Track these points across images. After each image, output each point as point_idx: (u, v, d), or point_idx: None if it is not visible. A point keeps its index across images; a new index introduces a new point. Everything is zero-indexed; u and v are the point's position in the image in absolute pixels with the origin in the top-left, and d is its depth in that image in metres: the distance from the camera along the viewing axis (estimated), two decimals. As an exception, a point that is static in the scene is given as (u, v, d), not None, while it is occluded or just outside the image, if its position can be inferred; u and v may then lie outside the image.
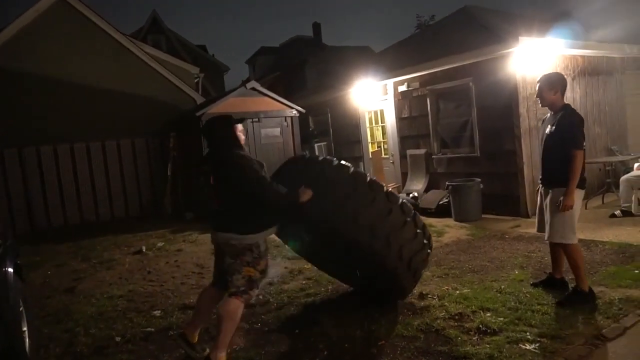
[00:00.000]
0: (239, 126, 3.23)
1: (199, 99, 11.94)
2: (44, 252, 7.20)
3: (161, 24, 21.71)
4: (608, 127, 8.00)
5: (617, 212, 6.05)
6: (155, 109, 10.90)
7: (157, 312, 4.11)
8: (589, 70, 7.66)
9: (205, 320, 3.32)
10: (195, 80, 14.04)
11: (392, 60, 9.77)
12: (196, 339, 3.21)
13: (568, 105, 3.57)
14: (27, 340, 2.77)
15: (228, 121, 3.21)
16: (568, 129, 3.38)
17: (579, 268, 3.38)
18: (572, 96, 7.43)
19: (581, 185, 3.43)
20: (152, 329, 3.72)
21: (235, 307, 2.93)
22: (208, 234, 7.66)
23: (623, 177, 6.24)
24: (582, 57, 7.50)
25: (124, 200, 10.36)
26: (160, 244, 7.10)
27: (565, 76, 7.31)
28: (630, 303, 3.28)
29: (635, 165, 6.64)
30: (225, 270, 3.04)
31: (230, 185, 3.04)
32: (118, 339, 3.59)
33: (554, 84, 3.52)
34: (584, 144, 3.41)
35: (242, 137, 3.22)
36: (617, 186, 6.43)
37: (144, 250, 6.72)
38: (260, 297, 4.24)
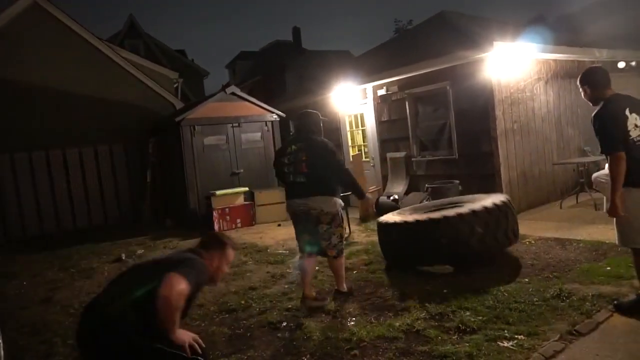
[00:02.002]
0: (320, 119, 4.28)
1: (178, 104, 11.85)
2: (19, 262, 7.04)
3: (139, 28, 21.47)
4: (581, 129, 8.23)
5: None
6: (134, 114, 10.77)
7: (138, 320, 4.05)
8: (562, 74, 7.87)
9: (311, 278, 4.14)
10: (175, 86, 13.92)
11: (371, 64, 9.87)
12: (314, 293, 4.07)
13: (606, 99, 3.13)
14: (1, 352, 2.71)
15: (318, 115, 4.28)
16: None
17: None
18: (546, 99, 7.64)
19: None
20: (133, 338, 3.66)
21: (341, 262, 4.11)
22: (188, 240, 7.65)
23: (595, 175, 6.41)
24: (555, 61, 7.71)
25: (102, 208, 10.20)
26: (140, 251, 7.01)
27: (538, 80, 7.57)
28: (603, 299, 3.38)
29: (606, 164, 6.84)
30: (322, 235, 3.95)
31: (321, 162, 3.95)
32: (97, 348, 3.52)
33: (584, 78, 3.26)
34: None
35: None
36: (590, 185, 6.60)
37: (123, 258, 6.62)
38: (242, 302, 4.24)
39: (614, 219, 3.14)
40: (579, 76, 3.31)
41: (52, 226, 9.55)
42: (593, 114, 3.10)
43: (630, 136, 2.98)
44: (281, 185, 9.51)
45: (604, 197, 6.38)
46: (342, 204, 4.09)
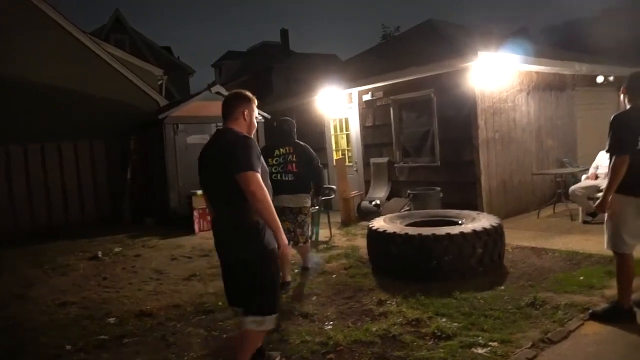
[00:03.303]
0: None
1: (162, 102, 11.72)
2: (-9, 257, 6.85)
3: (124, 23, 21.17)
4: (560, 140, 8.41)
5: (589, 219, 6.33)
6: (116, 110, 10.61)
7: (112, 320, 3.99)
8: (543, 86, 8.04)
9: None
10: (159, 83, 13.78)
11: (357, 69, 9.92)
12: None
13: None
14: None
15: (292, 121, 4.95)
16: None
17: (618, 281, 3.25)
18: (527, 110, 7.79)
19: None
20: (106, 337, 3.60)
21: (307, 246, 5.00)
22: (167, 239, 7.57)
23: (572, 188, 6.56)
24: (537, 73, 7.87)
25: (81, 205, 10.00)
26: (117, 249, 6.90)
27: (520, 91, 7.71)
28: (575, 308, 3.46)
29: (583, 177, 7.02)
30: (299, 224, 4.68)
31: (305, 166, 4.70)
32: (69, 347, 3.46)
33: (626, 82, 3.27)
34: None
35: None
36: (567, 196, 6.76)
37: (100, 255, 6.50)
38: (220, 303, 4.20)
39: (605, 224, 3.27)
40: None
41: (28, 222, 9.31)
42: (614, 115, 3.18)
43: (637, 146, 3.06)
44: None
45: (580, 208, 6.59)
46: (317, 198, 5.05)
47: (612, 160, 3.11)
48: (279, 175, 4.59)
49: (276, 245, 2.54)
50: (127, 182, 9.99)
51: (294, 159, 4.66)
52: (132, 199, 10.00)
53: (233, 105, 2.70)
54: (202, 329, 3.66)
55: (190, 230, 7.97)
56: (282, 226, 4.20)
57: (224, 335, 3.53)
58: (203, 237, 7.58)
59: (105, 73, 10.77)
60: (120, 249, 6.96)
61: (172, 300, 4.40)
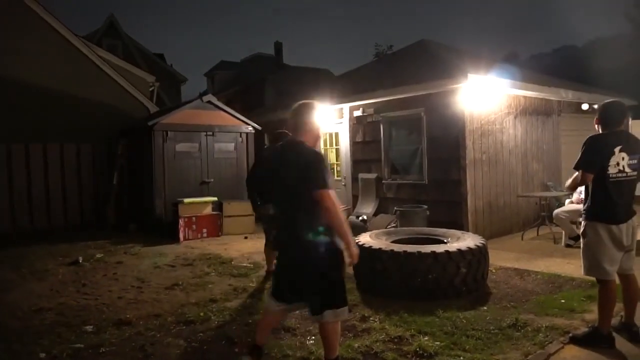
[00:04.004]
0: None
1: (153, 108, 11.66)
2: (-33, 259, 6.68)
3: (118, 28, 21.14)
4: (545, 164, 8.56)
5: (571, 242, 6.41)
6: (105, 115, 10.53)
7: (89, 328, 3.90)
8: (530, 110, 8.21)
9: None
10: (151, 89, 13.73)
11: (349, 85, 10.02)
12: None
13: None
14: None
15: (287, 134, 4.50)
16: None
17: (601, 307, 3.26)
18: (514, 133, 7.93)
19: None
20: (82, 346, 3.52)
21: None
22: (151, 247, 7.48)
23: (556, 211, 6.66)
24: (525, 97, 8.04)
25: (64, 209, 9.81)
26: (99, 255, 6.78)
27: (508, 114, 7.85)
28: (555, 330, 3.48)
29: (567, 201, 7.13)
30: None
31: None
32: (43, 355, 3.37)
33: (598, 112, 3.38)
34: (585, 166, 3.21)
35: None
36: (551, 219, 6.85)
37: (80, 261, 6.39)
38: (202, 314, 4.15)
39: (582, 251, 3.32)
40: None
41: (8, 225, 9.10)
42: (590, 136, 3.28)
43: (608, 171, 3.14)
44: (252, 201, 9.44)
45: (563, 232, 6.68)
46: None
47: (576, 174, 3.26)
48: (268, 185, 4.76)
49: (343, 246, 2.75)
50: (113, 187, 9.86)
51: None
52: (117, 205, 9.87)
53: (301, 117, 2.84)
54: (182, 340, 3.60)
55: (174, 239, 7.88)
56: (268, 228, 4.99)
57: (204, 347, 3.47)
58: (187, 246, 7.50)
59: (95, 77, 10.70)
60: (102, 255, 6.85)
61: (153, 310, 4.32)
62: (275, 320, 3.09)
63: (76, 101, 10.20)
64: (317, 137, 2.89)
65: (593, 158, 3.18)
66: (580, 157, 3.23)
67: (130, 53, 19.97)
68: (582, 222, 3.28)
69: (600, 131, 3.33)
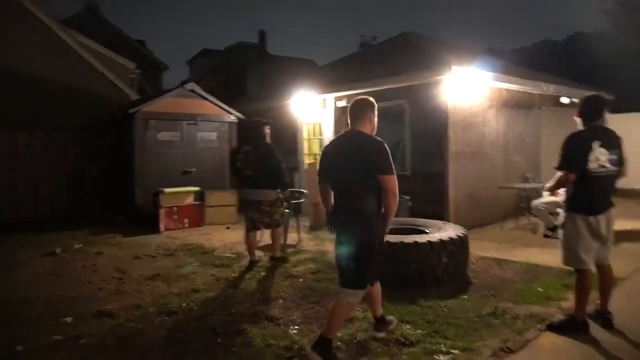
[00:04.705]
0: (267, 128, 5.55)
1: (134, 96, 11.43)
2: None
3: (98, 13, 20.59)
4: (526, 157, 8.70)
5: (549, 233, 6.54)
6: (84, 102, 10.27)
7: (69, 319, 3.84)
8: (512, 103, 8.31)
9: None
10: (131, 77, 13.42)
11: (333, 75, 9.99)
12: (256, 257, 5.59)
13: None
14: None
15: (262, 123, 5.54)
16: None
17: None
18: (497, 126, 8.02)
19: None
20: (61, 337, 3.46)
21: (279, 231, 5.63)
22: (132, 237, 7.38)
23: (534, 203, 6.79)
24: (507, 90, 8.13)
25: (41, 198, 9.57)
26: (77, 246, 6.66)
27: (490, 107, 7.92)
28: (533, 318, 3.57)
29: (544, 192, 7.26)
30: (266, 214, 5.38)
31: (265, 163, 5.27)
32: (20, 348, 3.30)
33: (580, 105, 3.44)
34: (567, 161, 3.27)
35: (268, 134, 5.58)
36: (529, 211, 6.99)
37: (58, 252, 6.26)
38: (184, 304, 4.12)
39: (560, 241, 3.40)
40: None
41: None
42: (570, 133, 3.34)
43: (587, 167, 3.20)
44: (234, 188, 9.38)
45: (541, 223, 6.81)
46: (282, 192, 5.50)
47: (560, 174, 3.29)
48: (242, 170, 5.37)
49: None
50: (92, 176, 9.66)
51: (255, 157, 5.31)
52: (98, 195, 9.68)
53: (363, 110, 3.13)
54: (165, 331, 3.57)
55: (155, 229, 7.79)
56: (247, 215, 5.49)
57: (187, 338, 3.45)
58: (169, 236, 7.42)
59: (74, 63, 10.41)
60: (81, 245, 6.72)
61: (134, 301, 4.27)
62: (376, 291, 3.26)
63: (57, 88, 9.92)
64: (374, 129, 3.17)
65: (574, 157, 3.23)
66: (561, 158, 3.27)
67: (110, 39, 19.43)
68: (562, 214, 3.35)
69: (581, 124, 3.39)
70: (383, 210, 3.00)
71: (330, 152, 3.19)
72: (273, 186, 5.34)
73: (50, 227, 8.20)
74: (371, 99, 3.22)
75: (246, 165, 5.32)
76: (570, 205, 3.28)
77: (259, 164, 5.25)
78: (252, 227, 5.47)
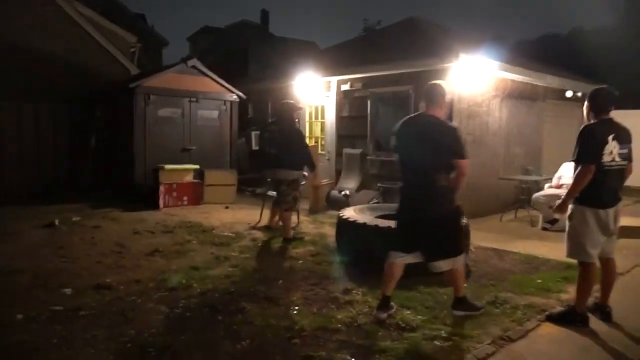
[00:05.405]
0: (296, 111, 5.89)
1: (134, 70, 11.28)
2: None
3: (98, -17, 20.13)
4: (527, 149, 8.69)
5: (548, 226, 6.57)
6: (83, 75, 10.12)
7: (68, 291, 3.83)
8: (516, 94, 8.25)
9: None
10: (132, 50, 13.18)
11: (338, 58, 9.86)
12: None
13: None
14: None
15: (292, 105, 5.86)
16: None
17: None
18: (500, 116, 7.98)
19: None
20: (61, 308, 3.45)
21: (288, 215, 5.67)
22: (130, 213, 7.34)
23: (535, 195, 6.80)
24: (512, 81, 8.06)
25: (38, 170, 9.47)
26: (75, 219, 6.62)
27: (495, 97, 7.86)
28: (533, 309, 3.59)
29: (546, 185, 7.28)
30: (281, 193, 5.62)
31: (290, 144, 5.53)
32: (20, 317, 3.29)
33: (590, 96, 3.40)
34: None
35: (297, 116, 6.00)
36: (530, 203, 7.00)
37: (56, 223, 6.22)
38: (183, 281, 4.11)
39: (565, 234, 3.38)
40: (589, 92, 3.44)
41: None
42: (584, 125, 3.30)
43: (602, 160, 3.17)
44: (233, 167, 9.33)
45: (541, 215, 6.83)
46: (303, 174, 5.80)
47: (579, 168, 3.21)
48: (266, 148, 5.71)
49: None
50: (90, 150, 9.57)
51: (280, 136, 5.53)
52: (95, 169, 9.60)
53: (438, 95, 3.38)
54: (164, 306, 3.57)
55: (154, 205, 7.74)
56: (271, 195, 6.14)
57: (187, 314, 3.45)
58: (167, 213, 7.39)
59: (72, 33, 10.21)
60: (79, 218, 6.68)
61: (134, 275, 4.26)
62: (399, 271, 3.44)
63: (52, 59, 9.75)
64: (446, 113, 3.45)
65: (592, 148, 3.18)
66: (580, 150, 3.20)
67: (109, 9, 19.07)
68: (570, 206, 3.33)
69: (590, 118, 3.35)
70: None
71: (403, 132, 3.42)
72: (294, 167, 5.54)
73: (43, 199, 8.11)
74: (444, 84, 3.44)
75: (271, 143, 5.62)
76: (580, 198, 3.25)
77: (284, 144, 5.47)
78: (275, 205, 5.97)
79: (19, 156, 9.22)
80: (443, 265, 3.34)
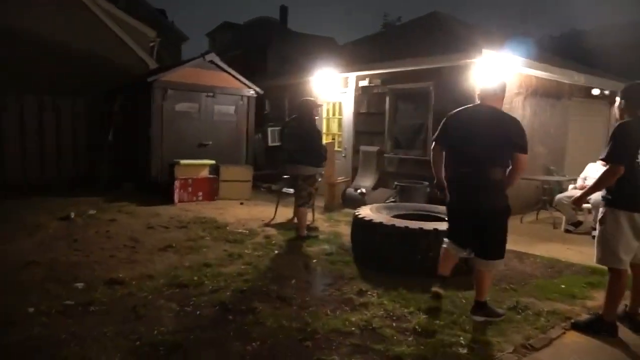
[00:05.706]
0: (316, 108, 5.91)
1: (153, 65, 11.32)
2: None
3: (119, -21, 20.32)
4: (550, 148, 8.40)
5: (571, 228, 6.36)
6: (103, 68, 10.19)
7: (80, 285, 3.80)
8: (540, 92, 7.98)
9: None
10: (151, 45, 13.24)
11: (356, 54, 9.72)
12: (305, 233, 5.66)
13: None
14: None
15: (312, 103, 5.82)
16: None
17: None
18: (523, 114, 7.71)
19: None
20: (72, 302, 3.42)
21: (303, 211, 5.60)
22: (145, 207, 7.35)
23: (559, 196, 6.57)
24: (536, 78, 7.80)
25: (57, 163, 9.61)
26: (91, 212, 6.64)
27: (518, 94, 7.62)
28: (557, 316, 3.42)
29: (570, 186, 7.03)
30: (297, 188, 5.62)
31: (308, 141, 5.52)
32: (32, 310, 3.27)
33: (624, 91, 3.23)
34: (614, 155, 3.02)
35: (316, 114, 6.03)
36: (552, 204, 6.77)
37: (72, 216, 6.25)
38: (195, 278, 4.05)
39: (595, 239, 3.21)
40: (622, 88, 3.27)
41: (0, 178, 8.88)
42: (618, 123, 3.11)
43: (637, 159, 2.99)
44: (249, 163, 9.28)
45: (564, 217, 6.59)
46: (320, 171, 5.77)
47: (607, 168, 3.03)
48: (285, 144, 5.74)
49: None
50: (107, 144, 9.63)
51: (298, 133, 5.55)
52: (112, 162, 9.67)
53: (502, 91, 3.40)
54: (175, 303, 3.51)
55: (169, 200, 7.75)
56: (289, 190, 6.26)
57: (197, 312, 3.38)
58: (182, 208, 7.37)
59: (93, 27, 10.29)
60: (95, 212, 6.71)
61: (146, 271, 4.22)
62: (454, 257, 3.50)
63: (73, 53, 9.83)
64: (502, 106, 3.38)
65: (625, 148, 2.99)
66: (611, 149, 2.99)
67: (130, 5, 19.26)
68: (601, 209, 3.14)
69: (623, 115, 3.15)
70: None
71: (461, 122, 3.35)
72: (311, 163, 5.54)
73: (61, 192, 8.19)
74: (504, 80, 3.47)
75: (290, 138, 5.66)
76: (614, 200, 3.05)
77: (303, 141, 5.52)
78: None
79: (40, 149, 9.35)
80: (482, 265, 3.27)
